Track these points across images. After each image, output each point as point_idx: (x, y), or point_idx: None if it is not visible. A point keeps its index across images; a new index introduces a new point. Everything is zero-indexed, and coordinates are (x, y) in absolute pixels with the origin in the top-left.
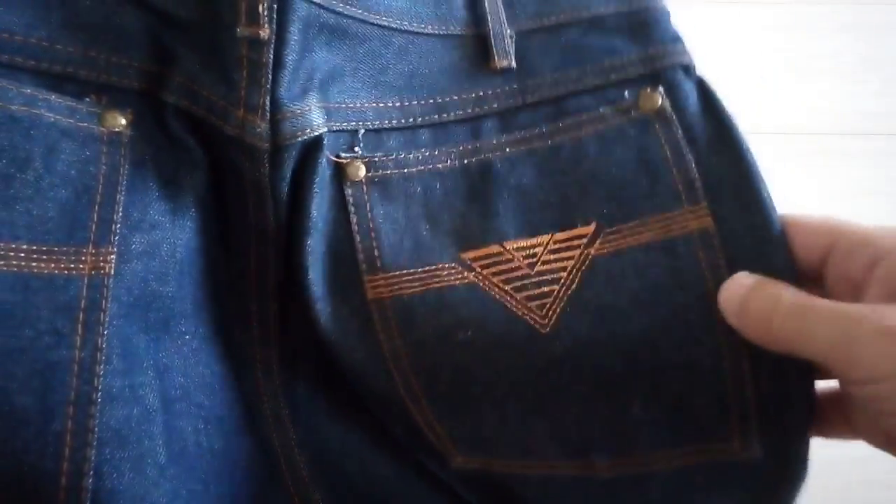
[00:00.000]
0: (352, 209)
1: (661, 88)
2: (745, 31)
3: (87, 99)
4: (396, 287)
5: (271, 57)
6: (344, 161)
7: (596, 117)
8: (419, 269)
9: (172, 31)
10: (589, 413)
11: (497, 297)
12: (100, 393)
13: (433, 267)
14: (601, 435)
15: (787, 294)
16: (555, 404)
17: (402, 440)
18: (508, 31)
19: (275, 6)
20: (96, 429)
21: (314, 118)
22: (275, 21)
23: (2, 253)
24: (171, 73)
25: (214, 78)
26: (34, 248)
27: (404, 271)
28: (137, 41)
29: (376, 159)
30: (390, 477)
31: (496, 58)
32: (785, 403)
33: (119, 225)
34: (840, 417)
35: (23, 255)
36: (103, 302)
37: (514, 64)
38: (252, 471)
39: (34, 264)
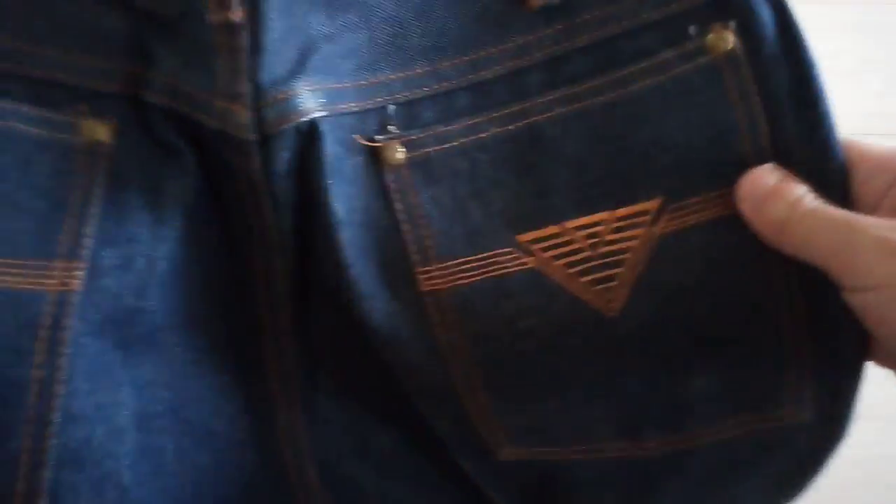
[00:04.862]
0: (395, 196)
1: (731, 23)
2: None
3: (66, 108)
4: (452, 278)
5: (247, 40)
6: (379, 144)
7: (656, 65)
8: (475, 257)
9: (151, 30)
10: (649, 390)
11: (560, 282)
12: (58, 413)
13: (490, 253)
14: (658, 411)
15: (804, 198)
16: (616, 385)
17: (444, 435)
18: None
19: None
20: (54, 450)
21: (301, 102)
22: (248, 1)
23: None
24: (152, 73)
25: (196, 71)
26: (6, 261)
27: (460, 260)
28: (117, 43)
29: (414, 138)
30: (406, 490)
31: None
32: (839, 368)
33: (91, 239)
34: None
35: None
36: (67, 320)
37: None
38: (252, 486)
39: (4, 278)
